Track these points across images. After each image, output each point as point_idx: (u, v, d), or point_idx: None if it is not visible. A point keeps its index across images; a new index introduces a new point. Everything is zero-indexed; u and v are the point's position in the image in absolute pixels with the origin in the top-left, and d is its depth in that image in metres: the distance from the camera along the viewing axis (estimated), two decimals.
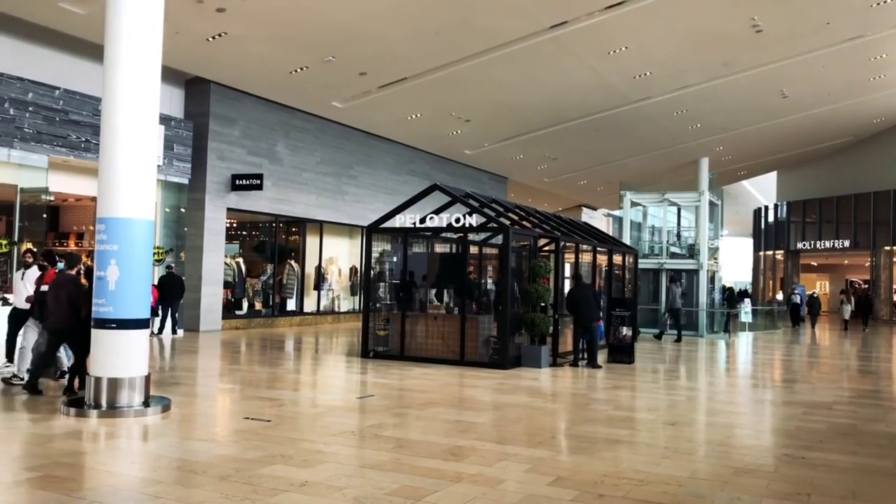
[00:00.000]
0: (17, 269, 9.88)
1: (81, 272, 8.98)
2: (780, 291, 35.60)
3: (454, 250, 15.04)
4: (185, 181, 16.79)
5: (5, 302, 11.37)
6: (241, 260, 18.70)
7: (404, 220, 12.95)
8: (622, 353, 13.27)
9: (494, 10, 13.51)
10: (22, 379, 8.96)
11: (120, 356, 7.49)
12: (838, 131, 28.58)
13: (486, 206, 13.74)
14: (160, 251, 15.96)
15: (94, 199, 10.74)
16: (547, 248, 14.83)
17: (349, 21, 13.61)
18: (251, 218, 19.22)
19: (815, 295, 29.02)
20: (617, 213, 32.94)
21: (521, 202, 19.13)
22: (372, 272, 13.49)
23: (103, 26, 7.72)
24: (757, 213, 40.01)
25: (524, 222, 14.34)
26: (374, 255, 13.55)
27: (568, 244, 14.50)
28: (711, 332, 21.17)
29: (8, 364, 9.63)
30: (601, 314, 13.53)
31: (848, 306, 25.63)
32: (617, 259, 17.19)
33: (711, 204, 22.68)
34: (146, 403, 7.55)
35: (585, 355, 12.65)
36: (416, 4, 13.31)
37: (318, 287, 20.63)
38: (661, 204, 23.07)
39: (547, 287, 12.60)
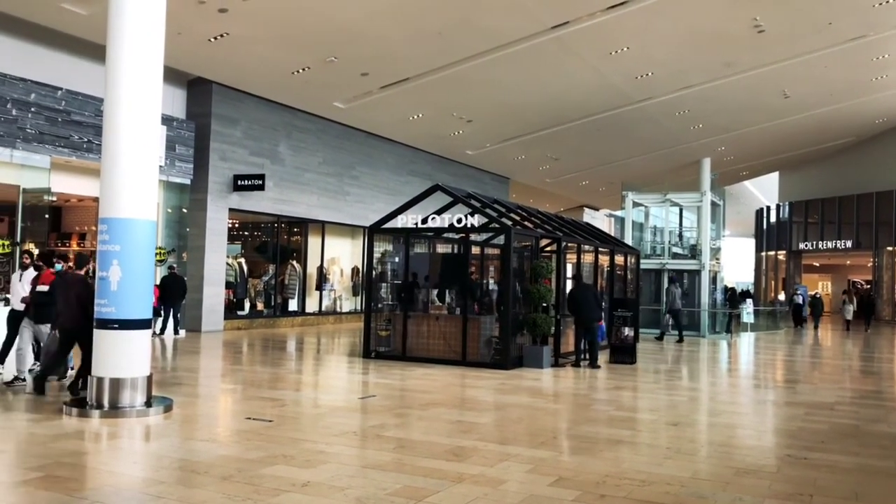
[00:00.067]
0: (15, 271, 9.88)
1: (90, 272, 9.00)
2: (782, 292, 35.56)
3: (456, 251, 15.04)
4: (187, 181, 16.81)
5: (7, 302, 11.38)
6: (242, 260, 18.71)
7: (406, 220, 12.95)
8: (624, 354, 13.26)
9: (496, 10, 13.51)
10: (24, 380, 8.97)
11: (122, 356, 7.49)
12: (840, 132, 28.55)
13: (487, 206, 13.74)
14: (162, 251, 15.98)
15: (96, 199, 10.75)
16: (549, 248, 14.83)
17: (351, 21, 13.62)
18: (253, 218, 19.24)
19: (818, 295, 28.98)
20: (619, 213, 32.94)
21: (522, 203, 19.14)
22: (374, 272, 13.49)
23: (105, 27, 7.72)
24: (759, 213, 39.98)
25: (526, 223, 14.34)
26: (376, 255, 13.56)
27: (570, 244, 14.50)
28: (713, 333, 21.15)
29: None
30: (603, 315, 13.52)
31: (850, 307, 25.59)
32: (619, 259, 17.18)
33: (713, 204, 22.67)
34: (148, 404, 7.56)
35: (587, 355, 12.65)
36: (418, 5, 13.32)
37: (319, 287, 20.64)
38: (663, 204, 23.06)
39: (549, 287, 12.59)
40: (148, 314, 7.75)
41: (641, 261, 19.62)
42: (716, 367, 14.19)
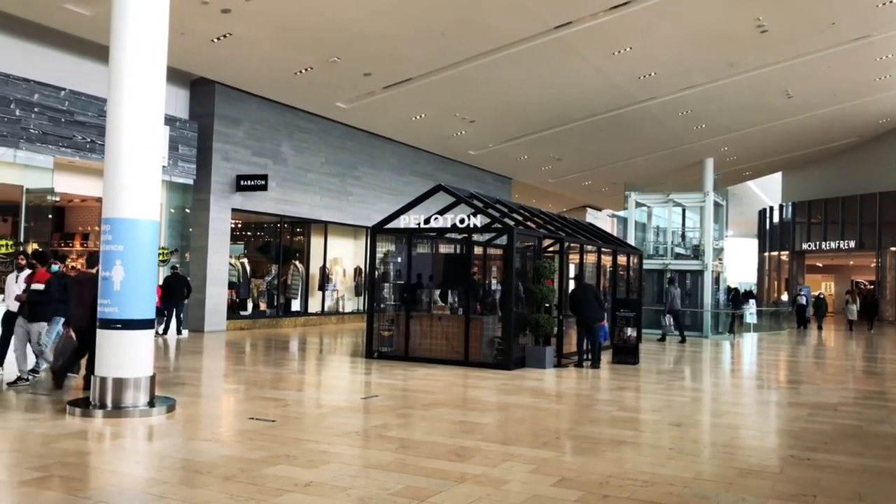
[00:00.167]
0: (11, 272, 9.88)
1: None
2: (785, 292, 35.51)
3: (458, 251, 15.04)
4: (190, 182, 16.83)
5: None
6: (245, 260, 18.73)
7: (408, 220, 12.94)
8: (626, 354, 13.24)
9: (499, 10, 13.51)
10: (27, 380, 8.99)
11: (125, 356, 7.50)
12: (844, 132, 28.50)
13: (490, 206, 13.74)
14: (165, 252, 16.00)
15: (99, 199, 10.76)
16: (551, 248, 14.83)
17: (353, 22, 13.62)
18: (256, 218, 19.25)
19: (822, 296, 28.94)
20: (621, 213, 32.91)
21: (525, 203, 19.13)
22: (376, 273, 13.49)
23: (109, 27, 7.73)
24: (762, 213, 39.93)
25: (528, 223, 14.33)
26: (379, 255, 13.56)
27: (572, 245, 14.49)
28: (716, 333, 21.11)
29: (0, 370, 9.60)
30: (605, 315, 13.51)
31: (853, 307, 25.55)
32: (621, 260, 17.17)
33: (716, 204, 22.63)
34: (151, 404, 7.57)
35: (590, 356, 12.64)
36: (420, 5, 13.32)
37: (322, 287, 20.66)
38: (666, 204, 23.03)
39: (551, 288, 12.58)
40: (151, 314, 7.75)
41: (644, 261, 19.59)
42: (718, 368, 14.17)
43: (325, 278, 20.65)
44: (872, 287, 34.58)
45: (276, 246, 19.51)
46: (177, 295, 15.70)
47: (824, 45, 16.79)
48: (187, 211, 17.05)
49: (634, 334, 13.50)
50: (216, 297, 17.14)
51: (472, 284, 13.12)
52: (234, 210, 17.66)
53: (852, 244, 33.76)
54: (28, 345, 9.21)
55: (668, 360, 14.68)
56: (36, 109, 13.41)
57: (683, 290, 20.64)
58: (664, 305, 19.12)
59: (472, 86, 17.72)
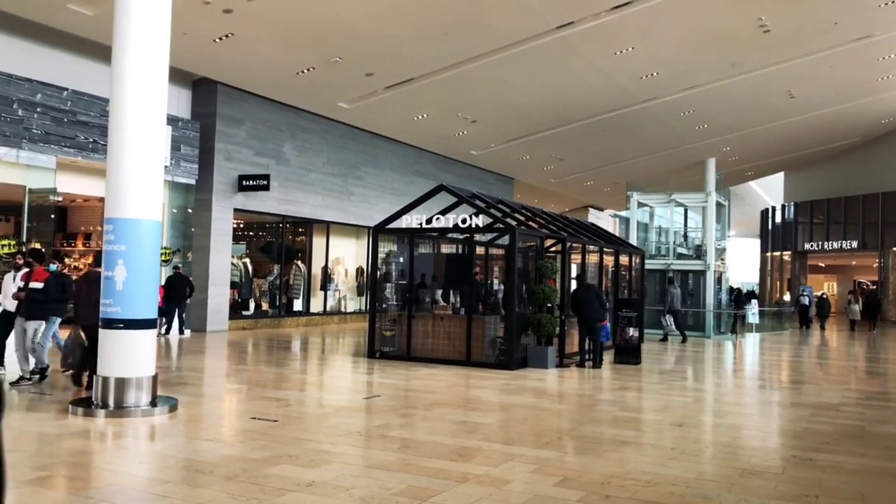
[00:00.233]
0: (9, 272, 9.89)
1: None
2: (788, 292, 35.49)
3: (460, 251, 15.04)
4: (192, 182, 16.84)
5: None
6: (247, 260, 18.75)
7: (410, 220, 12.95)
8: (629, 354, 13.23)
9: (501, 10, 13.51)
10: (30, 379, 9.00)
11: (127, 356, 7.51)
12: (846, 132, 28.47)
13: (492, 206, 13.73)
14: (167, 252, 16.01)
15: (101, 199, 10.79)
16: (553, 248, 14.82)
17: (356, 22, 13.63)
18: (258, 218, 19.27)
19: (825, 296, 28.89)
20: (624, 213, 32.87)
21: (527, 203, 19.12)
22: (378, 273, 13.50)
23: (111, 27, 7.74)
24: (764, 213, 39.88)
25: (530, 223, 14.32)
26: (381, 255, 13.57)
27: (574, 245, 14.48)
28: (718, 334, 21.10)
29: (1, 369, 9.61)
30: (606, 315, 13.51)
31: (856, 307, 25.53)
32: (624, 260, 17.15)
33: (718, 205, 22.62)
34: (153, 403, 7.58)
35: (591, 356, 12.63)
36: (422, 5, 13.32)
37: (324, 287, 20.67)
38: (668, 205, 23.02)
39: (553, 288, 12.58)
40: (153, 314, 7.76)
41: (646, 261, 19.58)
42: (721, 368, 14.16)
43: (327, 278, 20.66)
44: (875, 287, 34.54)
45: (278, 246, 19.53)
46: (179, 295, 15.71)
47: (826, 45, 16.78)
48: (189, 211, 17.07)
49: (636, 334, 13.49)
50: (218, 297, 17.15)
51: (474, 284, 13.12)
52: (236, 210, 17.68)
53: (855, 244, 33.72)
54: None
55: (670, 360, 14.67)
56: (38, 109, 13.43)
57: (685, 290, 20.62)
58: (664, 305, 19.12)
59: (474, 86, 17.72)
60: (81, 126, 14.15)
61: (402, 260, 13.89)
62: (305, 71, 16.12)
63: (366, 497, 4.88)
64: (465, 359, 12.10)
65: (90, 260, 16.29)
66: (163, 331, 15.47)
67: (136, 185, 7.57)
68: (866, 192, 32.79)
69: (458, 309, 13.17)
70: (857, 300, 26.13)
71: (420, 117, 20.33)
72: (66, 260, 17.01)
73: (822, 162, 34.74)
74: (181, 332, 15.88)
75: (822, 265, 40.58)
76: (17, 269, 9.52)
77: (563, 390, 10.27)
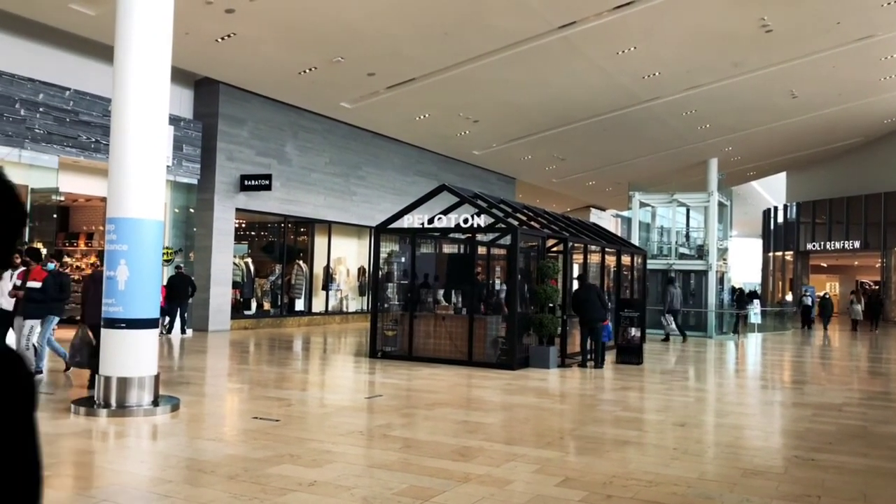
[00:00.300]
0: (6, 270, 9.87)
1: None
2: (790, 292, 35.47)
3: (462, 251, 15.04)
4: (195, 182, 16.85)
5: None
6: (249, 260, 18.75)
7: (412, 220, 12.95)
8: (630, 354, 13.22)
9: (503, 10, 13.50)
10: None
11: (129, 356, 7.52)
12: (848, 132, 28.43)
13: (494, 206, 13.73)
14: (169, 251, 16.02)
15: (103, 199, 10.79)
16: (555, 248, 14.82)
17: (357, 22, 13.63)
18: (260, 218, 19.27)
19: (827, 296, 28.85)
20: (625, 213, 32.86)
21: (529, 203, 19.11)
22: (380, 272, 13.50)
23: (113, 27, 7.75)
24: (766, 213, 39.85)
25: (532, 223, 14.32)
26: (383, 255, 13.57)
27: (576, 245, 14.48)
28: (720, 334, 21.09)
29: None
30: (608, 315, 13.50)
31: (858, 307, 25.49)
32: (625, 260, 17.15)
33: (720, 204, 22.60)
34: (155, 403, 7.58)
35: (593, 356, 12.63)
36: (423, 5, 13.32)
37: (326, 287, 20.67)
38: (670, 205, 23.01)
39: (555, 288, 12.58)
40: (155, 314, 7.77)
41: (648, 261, 19.57)
42: (723, 368, 14.15)
43: (328, 278, 20.67)
44: (877, 287, 34.50)
45: (279, 246, 19.54)
46: (181, 294, 15.72)
47: (829, 44, 16.75)
48: (191, 211, 17.08)
49: (638, 334, 13.48)
50: (220, 296, 17.16)
51: (475, 284, 13.11)
52: (238, 210, 17.69)
53: (857, 244, 33.68)
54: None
55: (672, 360, 14.66)
56: (41, 109, 13.44)
57: (686, 290, 20.60)
58: (664, 305, 19.11)
59: (475, 86, 17.71)
60: (84, 126, 14.16)
61: (403, 260, 13.89)
62: (307, 71, 16.13)
63: (367, 497, 4.88)
64: (466, 359, 12.10)
65: (92, 259, 16.34)
66: (165, 330, 15.48)
67: (138, 184, 7.58)
68: (868, 192, 32.75)
69: (460, 309, 13.17)
70: (859, 300, 26.10)
71: (422, 117, 20.33)
72: (67, 259, 17.03)
73: (824, 162, 34.70)
74: (183, 331, 15.89)
75: (825, 265, 40.54)
76: (14, 267, 9.51)
77: (564, 390, 10.27)
